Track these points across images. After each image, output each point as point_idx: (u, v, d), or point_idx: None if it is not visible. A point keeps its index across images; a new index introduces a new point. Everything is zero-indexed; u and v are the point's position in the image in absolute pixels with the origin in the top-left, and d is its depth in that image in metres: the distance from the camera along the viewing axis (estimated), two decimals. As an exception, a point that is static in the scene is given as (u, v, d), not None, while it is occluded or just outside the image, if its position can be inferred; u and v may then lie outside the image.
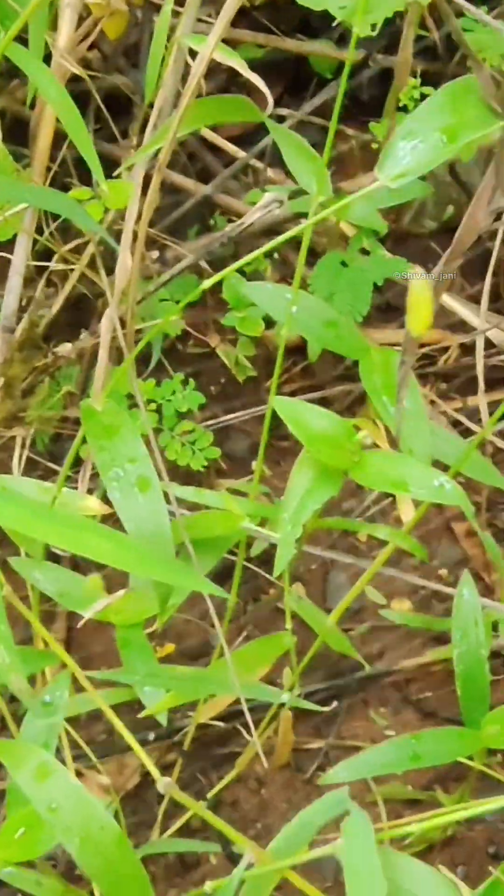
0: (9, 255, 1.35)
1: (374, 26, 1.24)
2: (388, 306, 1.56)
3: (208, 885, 0.81)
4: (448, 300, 1.47)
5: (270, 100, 1.09)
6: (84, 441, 1.06)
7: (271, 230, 1.46)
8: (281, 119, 1.51)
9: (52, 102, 1.20)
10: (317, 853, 0.71)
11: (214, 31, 1.06)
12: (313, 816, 0.82)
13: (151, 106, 1.25)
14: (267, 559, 1.40)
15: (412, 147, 0.82)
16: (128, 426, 0.98)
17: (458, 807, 1.06)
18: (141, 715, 1.08)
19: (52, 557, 1.17)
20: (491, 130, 0.79)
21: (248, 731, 1.22)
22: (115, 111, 1.54)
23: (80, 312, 1.51)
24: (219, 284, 1.50)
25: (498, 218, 1.39)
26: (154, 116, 1.20)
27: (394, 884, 0.71)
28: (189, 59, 1.16)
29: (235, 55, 1.08)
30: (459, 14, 1.37)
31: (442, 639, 1.42)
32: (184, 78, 1.21)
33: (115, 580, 1.39)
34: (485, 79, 0.83)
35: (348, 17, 1.16)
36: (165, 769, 1.32)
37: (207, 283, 0.92)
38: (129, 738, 0.95)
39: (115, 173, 1.24)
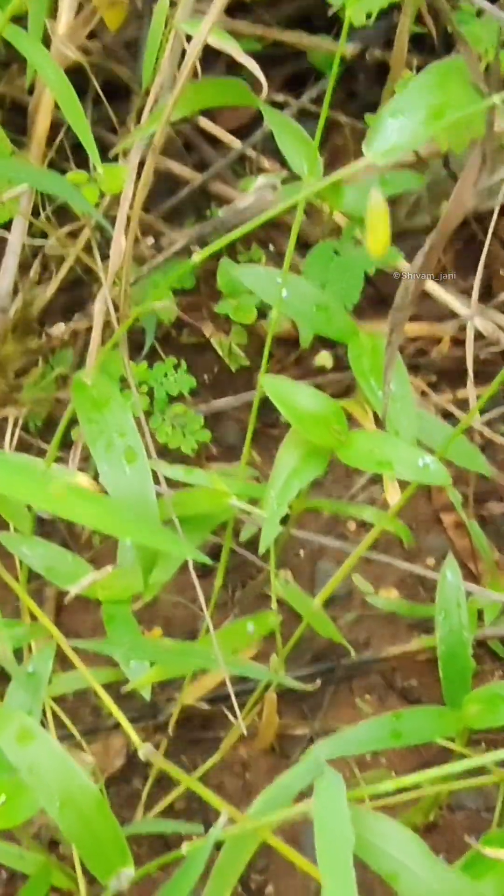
0: (5, 234, 1.37)
1: (369, 16, 1.25)
2: (380, 299, 1.57)
3: (185, 847, 0.82)
4: (440, 292, 1.48)
5: (265, 85, 1.10)
6: (75, 421, 1.08)
7: (266, 221, 1.47)
8: (278, 107, 1.52)
9: (50, 84, 1.22)
10: (291, 812, 0.72)
11: (210, 14, 1.08)
12: (291, 781, 0.83)
13: (149, 93, 1.27)
14: (256, 545, 1.41)
15: (399, 124, 0.84)
16: (117, 399, 0.99)
17: (441, 786, 1.07)
18: (125, 688, 1.09)
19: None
20: (476, 109, 0.81)
21: (234, 714, 1.23)
22: (114, 101, 1.55)
23: (76, 297, 1.52)
24: (214, 274, 1.52)
25: (490, 214, 1.41)
26: (151, 101, 1.22)
27: (366, 841, 0.72)
28: (186, 46, 1.18)
29: (230, 39, 1.09)
30: (455, 7, 1.40)
31: (429, 628, 1.43)
32: (181, 65, 1.23)
33: (102, 558, 1.40)
34: (471, 59, 0.84)
35: (343, 3, 1.17)
36: (150, 751, 1.33)
37: (198, 257, 0.93)
38: (115, 710, 0.96)
39: (110, 154, 1.25)
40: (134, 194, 1.22)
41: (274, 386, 1.04)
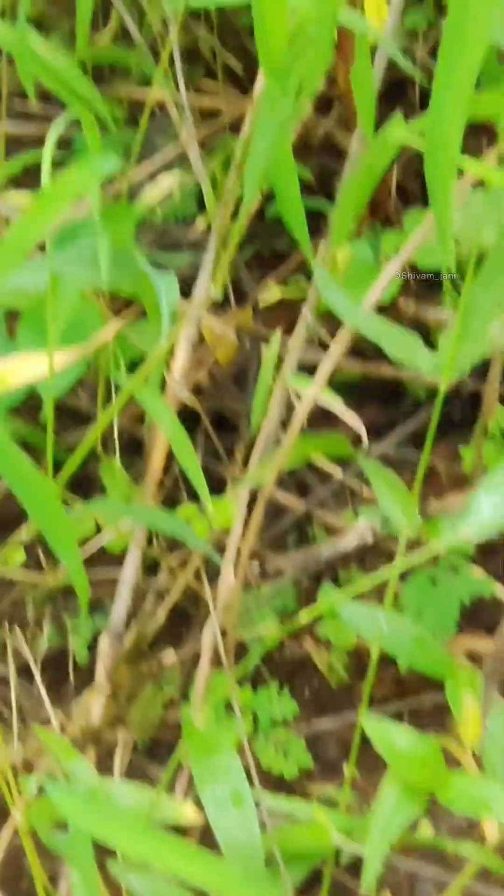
0: (118, 564, 1.45)
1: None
2: (475, 615, 1.61)
3: None
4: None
5: (364, 437, 1.19)
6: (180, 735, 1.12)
7: (366, 549, 1.54)
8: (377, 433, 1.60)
9: (166, 431, 1.32)
10: None
11: (317, 378, 1.18)
12: None
13: (258, 430, 1.36)
14: (356, 868, 1.43)
15: (493, 502, 0.91)
16: (225, 741, 1.04)
17: None
18: None
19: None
20: None
21: None
22: (222, 429, 1.66)
23: (183, 616, 1.59)
24: (314, 593, 1.58)
25: None
26: (260, 447, 1.31)
27: None
28: (294, 397, 1.27)
29: (337, 398, 1.19)
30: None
31: None
32: (287, 406, 1.33)
33: None
34: None
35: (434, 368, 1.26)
36: None
37: (305, 617, 1.00)
38: None
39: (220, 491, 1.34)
40: (244, 531, 1.30)
41: (374, 727, 1.09)
